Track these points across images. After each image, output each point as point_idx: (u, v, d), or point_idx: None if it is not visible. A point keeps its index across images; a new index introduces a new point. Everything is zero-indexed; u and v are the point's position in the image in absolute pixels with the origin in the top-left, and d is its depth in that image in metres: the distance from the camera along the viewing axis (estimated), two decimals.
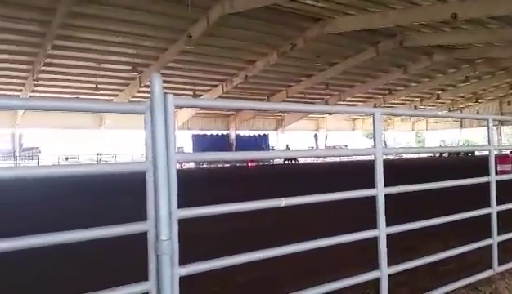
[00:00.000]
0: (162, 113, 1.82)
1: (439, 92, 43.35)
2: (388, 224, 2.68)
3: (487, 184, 3.54)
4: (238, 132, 43.26)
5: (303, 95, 36.44)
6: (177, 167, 1.91)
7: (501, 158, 11.81)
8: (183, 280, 1.88)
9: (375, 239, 2.65)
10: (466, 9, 18.38)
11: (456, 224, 3.47)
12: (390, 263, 2.67)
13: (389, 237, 2.68)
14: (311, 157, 40.82)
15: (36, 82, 26.18)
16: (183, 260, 1.88)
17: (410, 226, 2.91)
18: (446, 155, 42.93)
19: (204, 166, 36.80)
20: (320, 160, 39.34)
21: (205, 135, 41.90)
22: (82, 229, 1.73)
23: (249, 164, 33.25)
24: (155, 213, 1.81)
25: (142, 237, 1.83)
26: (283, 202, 2.23)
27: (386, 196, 2.67)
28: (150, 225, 1.81)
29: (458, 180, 3.40)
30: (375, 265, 2.64)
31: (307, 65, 30.22)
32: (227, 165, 36.78)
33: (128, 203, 5.74)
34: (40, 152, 36.65)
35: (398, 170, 15.10)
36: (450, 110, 48.28)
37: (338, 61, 29.84)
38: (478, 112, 48.96)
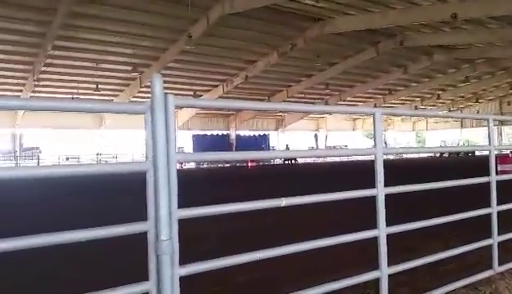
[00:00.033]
0: (162, 113, 1.82)
1: (439, 92, 43.35)
2: (389, 224, 2.68)
3: (488, 184, 3.54)
4: (238, 132, 43.27)
5: (303, 95, 36.44)
6: (178, 167, 1.91)
7: (502, 158, 11.81)
8: (183, 280, 1.88)
9: (375, 239, 2.65)
10: (466, 9, 18.38)
11: (457, 224, 3.47)
12: (390, 263, 2.67)
13: (389, 237, 2.69)
14: (311, 157, 40.80)
15: (36, 83, 26.20)
16: (183, 260, 1.88)
17: (410, 226, 2.91)
18: (446, 155, 42.92)
19: (205, 166, 36.81)
20: (320, 160, 39.33)
21: (205, 135, 41.91)
22: (82, 229, 1.73)
23: (250, 164, 33.26)
24: (155, 213, 1.81)
25: (142, 237, 1.84)
26: (283, 202, 2.24)
27: (386, 196, 2.67)
28: (150, 225, 1.82)
29: (458, 180, 3.40)
30: (375, 265, 2.64)
31: (308, 65, 30.22)
32: (227, 165, 36.79)
33: (128, 203, 5.74)
34: (40, 152, 36.65)
35: (399, 170, 15.09)
36: (450, 110, 48.27)
37: (338, 61, 29.84)
38: (478, 112, 48.96)
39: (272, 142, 45.92)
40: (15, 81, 26.25)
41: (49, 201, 10.85)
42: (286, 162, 37.38)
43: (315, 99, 38.50)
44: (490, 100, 48.42)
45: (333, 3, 20.48)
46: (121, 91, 30.55)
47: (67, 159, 36.33)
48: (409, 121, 56.72)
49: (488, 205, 3.52)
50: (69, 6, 17.54)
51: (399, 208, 3.47)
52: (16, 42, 21.08)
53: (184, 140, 39.18)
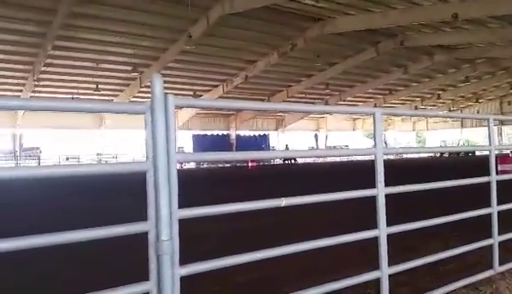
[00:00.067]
0: (162, 113, 1.82)
1: (440, 92, 43.35)
2: (389, 224, 2.68)
3: (488, 184, 3.54)
4: (238, 132, 43.27)
5: (303, 95, 36.44)
6: (178, 167, 1.91)
7: (502, 158, 11.80)
8: (184, 280, 1.88)
9: (375, 239, 2.65)
10: (467, 9, 18.37)
11: (457, 224, 3.47)
12: (391, 263, 2.67)
13: (390, 237, 2.69)
14: (311, 157, 40.79)
15: (36, 83, 26.21)
16: (184, 260, 1.88)
17: (410, 226, 2.92)
18: (446, 155, 42.91)
19: (205, 166, 36.81)
20: (320, 160, 39.33)
21: (206, 135, 41.91)
22: (83, 229, 1.73)
23: (250, 164, 33.26)
24: (156, 213, 1.81)
25: (143, 237, 1.84)
26: (283, 202, 2.24)
27: (386, 196, 2.67)
28: (150, 225, 1.82)
29: (458, 180, 3.40)
30: (375, 265, 2.64)
31: (308, 65, 30.22)
32: (228, 165, 36.79)
33: (129, 203, 5.74)
34: (41, 152, 36.65)
35: (399, 170, 15.09)
36: (450, 110, 48.27)
37: (338, 61, 29.84)
38: (478, 112, 48.94)
39: (272, 142, 45.92)
40: (16, 81, 26.26)
41: (49, 201, 10.85)
42: (286, 161, 37.39)
43: (315, 99, 38.50)
44: (490, 99, 48.41)
45: (333, 3, 20.48)
46: (121, 91, 30.56)
47: (67, 159, 36.34)
48: (409, 121, 56.72)
49: (489, 205, 3.52)
50: (69, 7, 17.55)
51: (399, 208, 3.47)
52: (16, 42, 21.09)
53: (184, 140, 39.18)
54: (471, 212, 3.38)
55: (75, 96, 28.18)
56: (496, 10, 18.09)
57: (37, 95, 27.79)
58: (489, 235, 3.48)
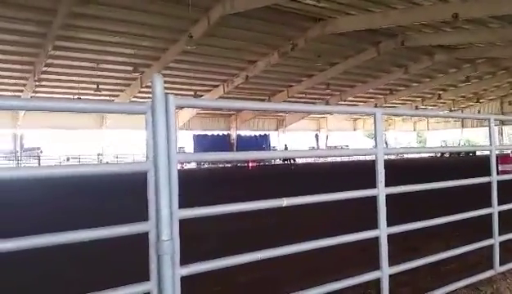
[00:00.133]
0: (163, 113, 1.82)
1: (440, 92, 43.32)
2: (390, 224, 2.68)
3: (489, 184, 3.53)
4: (239, 132, 43.28)
5: (303, 96, 36.44)
6: (178, 167, 1.91)
7: (503, 158, 11.79)
8: (184, 280, 1.88)
9: (376, 239, 2.65)
10: (467, 9, 18.36)
11: (458, 225, 3.47)
12: (391, 263, 2.67)
13: (390, 237, 2.69)
14: (312, 157, 40.79)
15: (37, 83, 26.23)
16: (184, 260, 1.88)
17: (411, 226, 2.91)
18: (447, 155, 42.88)
19: (205, 166, 36.82)
20: (321, 160, 39.33)
21: (206, 135, 41.93)
22: (84, 229, 1.73)
23: (250, 164, 33.27)
24: (156, 213, 1.81)
25: (144, 237, 1.84)
26: (284, 202, 2.24)
27: (387, 196, 2.67)
28: (151, 226, 1.82)
29: (459, 180, 3.40)
30: (376, 265, 2.64)
31: (308, 65, 30.22)
32: (228, 165, 36.79)
33: (130, 204, 5.75)
34: (41, 152, 36.68)
35: (399, 170, 15.09)
36: (451, 110, 48.24)
37: (339, 61, 29.84)
38: (479, 112, 48.91)
39: (273, 142, 45.93)
40: (16, 81, 26.29)
41: (51, 201, 10.86)
42: (286, 161, 37.36)
43: (316, 99, 38.50)
44: (491, 99, 48.38)
45: (334, 3, 20.47)
46: (122, 91, 30.58)
47: (68, 159, 36.36)
48: (410, 121, 56.70)
49: (489, 205, 3.51)
50: (69, 7, 17.56)
51: (400, 208, 3.46)
52: (17, 42, 21.11)
53: (185, 140, 39.18)
54: (472, 212, 3.38)
55: (76, 96, 28.18)
56: (496, 10, 18.08)
57: (37, 95, 27.81)
58: (490, 235, 3.48)
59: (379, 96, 41.93)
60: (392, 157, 42.48)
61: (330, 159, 40.33)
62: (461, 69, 34.74)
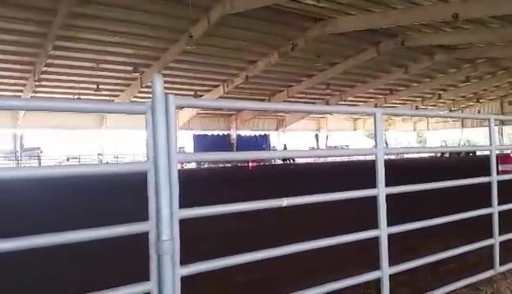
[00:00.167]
0: (163, 113, 1.82)
1: (440, 92, 43.33)
2: (390, 224, 2.68)
3: (489, 184, 3.53)
4: (239, 132, 43.28)
5: (303, 95, 36.44)
6: (179, 167, 1.91)
7: (503, 158, 11.79)
8: (184, 280, 1.88)
9: (375, 239, 2.65)
10: (467, 9, 18.37)
11: (458, 224, 3.46)
12: (391, 263, 2.67)
13: (390, 237, 2.68)
14: (312, 157, 40.78)
15: (37, 83, 26.24)
16: (184, 260, 1.89)
17: (411, 226, 2.91)
18: (447, 155, 42.88)
19: (205, 166, 36.81)
20: (321, 160, 39.32)
21: (206, 135, 41.93)
22: (84, 229, 1.73)
23: (250, 164, 33.26)
24: (157, 213, 1.81)
25: (144, 237, 1.84)
26: (284, 202, 2.24)
27: (387, 196, 2.67)
28: (151, 225, 1.82)
29: (459, 180, 3.40)
30: (375, 265, 2.64)
31: (308, 65, 30.23)
32: (228, 165, 36.79)
33: (130, 203, 5.75)
34: (41, 152, 36.67)
35: (400, 170, 15.09)
36: (451, 110, 48.24)
37: (339, 61, 29.84)
38: (479, 112, 48.92)
39: (273, 142, 45.93)
40: (16, 81, 26.30)
41: (51, 201, 10.86)
42: (286, 161, 37.37)
43: (316, 99, 38.50)
44: (491, 99, 48.39)
45: (334, 3, 20.48)
46: (122, 91, 30.58)
47: (68, 159, 36.36)
48: (410, 121, 56.70)
49: (489, 205, 3.51)
50: (69, 7, 17.57)
51: (400, 208, 3.46)
52: (17, 42, 21.12)
53: (185, 140, 39.18)
54: (472, 212, 3.38)
55: (76, 96, 28.19)
56: (496, 10, 18.09)
57: (38, 95, 27.82)
58: (490, 235, 3.48)
59: (379, 96, 41.94)
60: (393, 157, 42.48)
61: (330, 159, 40.32)
62: (461, 69, 34.75)
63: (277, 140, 46.29)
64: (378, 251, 2.64)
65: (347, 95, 38.76)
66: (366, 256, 3.07)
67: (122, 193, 11.99)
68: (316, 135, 49.15)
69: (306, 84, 33.85)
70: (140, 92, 29.36)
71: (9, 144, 35.07)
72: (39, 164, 33.83)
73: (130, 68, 25.87)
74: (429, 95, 44.49)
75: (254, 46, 25.74)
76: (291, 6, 20.31)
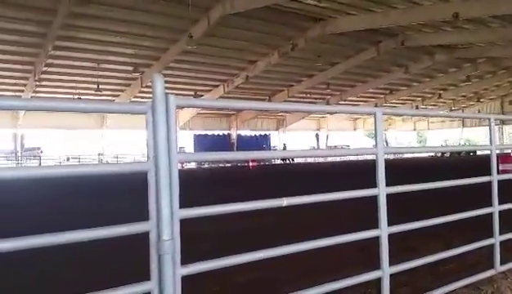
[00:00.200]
0: (163, 113, 1.82)
1: (441, 92, 43.31)
2: (389, 224, 2.68)
3: (489, 183, 3.53)
4: (239, 132, 43.28)
5: (304, 95, 36.44)
6: (179, 166, 1.91)
7: (503, 158, 11.79)
8: (184, 280, 1.88)
9: (375, 239, 2.65)
10: (468, 8, 18.36)
11: (458, 224, 3.46)
12: (391, 263, 2.67)
13: (390, 237, 2.68)
14: (312, 157, 40.79)
15: (38, 83, 26.25)
16: (184, 260, 1.89)
17: (412, 226, 2.91)
18: (447, 155, 42.86)
19: (206, 166, 36.81)
20: (321, 160, 39.31)
21: (207, 135, 41.93)
22: (84, 229, 1.73)
23: (251, 164, 33.25)
24: (157, 213, 1.81)
25: (144, 237, 1.84)
26: (284, 201, 2.24)
27: (387, 196, 2.67)
28: (151, 225, 1.82)
29: (460, 179, 3.40)
30: (375, 265, 2.64)
31: (309, 65, 30.22)
32: (229, 165, 36.79)
33: (130, 203, 5.75)
34: (42, 152, 36.69)
35: (400, 170, 15.07)
36: (451, 110, 48.22)
37: (339, 61, 29.84)
38: (479, 111, 48.89)
39: (273, 142, 45.92)
40: (17, 81, 26.31)
41: (51, 201, 10.86)
42: (286, 161, 37.38)
43: (316, 99, 38.49)
44: (491, 99, 48.37)
45: (335, 3, 20.47)
46: (122, 91, 30.59)
47: (68, 159, 36.36)
48: (410, 120, 56.67)
49: (490, 204, 3.51)
50: (68, 7, 17.57)
51: (400, 208, 3.46)
52: (17, 42, 21.12)
53: (185, 140, 39.18)
54: (472, 212, 3.38)
55: (76, 96, 28.21)
56: (496, 9, 18.08)
57: (38, 95, 27.82)
58: (490, 235, 3.48)
59: (380, 96, 41.93)
60: (393, 156, 42.46)
61: (330, 159, 40.30)
62: (462, 68, 34.74)
63: (278, 139, 46.29)
64: (377, 251, 2.64)
65: (347, 95, 38.76)
66: (364, 255, 3.07)
67: (122, 193, 11.99)
68: (317, 135, 49.15)
69: (306, 84, 33.84)
70: (140, 92, 29.36)
71: (9, 144, 35.08)
72: (39, 164, 33.84)
73: (130, 68, 25.88)
74: (430, 95, 44.47)
75: (254, 46, 25.74)
76: (291, 6, 20.31)
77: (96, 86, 27.46)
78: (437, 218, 3.12)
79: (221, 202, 2.07)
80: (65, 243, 1.68)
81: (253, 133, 45.16)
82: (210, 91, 32.45)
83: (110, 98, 30.72)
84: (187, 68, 27.68)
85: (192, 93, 31.00)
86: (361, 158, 37.80)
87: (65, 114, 28.52)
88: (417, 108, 45.09)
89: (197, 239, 4.43)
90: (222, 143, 41.02)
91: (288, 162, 36.62)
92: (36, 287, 3.82)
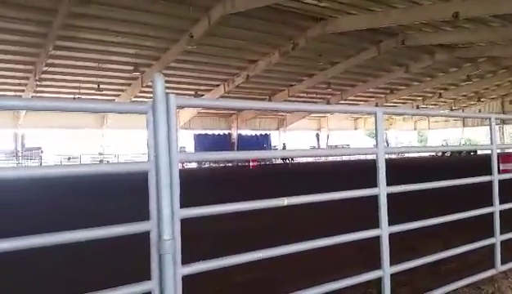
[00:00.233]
0: (164, 113, 1.82)
1: (441, 91, 43.27)
2: (390, 223, 2.68)
3: (490, 183, 3.53)
4: (240, 132, 43.27)
5: (304, 95, 36.42)
6: (179, 166, 1.91)
7: (504, 157, 11.80)
8: (185, 279, 1.88)
9: (372, 238, 2.65)
10: (468, 8, 18.34)
11: (459, 224, 3.46)
12: (391, 263, 2.67)
13: (390, 236, 2.68)
14: (313, 156, 40.80)
15: (38, 83, 26.25)
16: (184, 260, 1.89)
17: (412, 225, 2.91)
18: (448, 154, 42.84)
19: (206, 165, 36.82)
20: (322, 159, 39.32)
21: (207, 134, 41.92)
22: (84, 228, 1.73)
23: (251, 164, 33.24)
24: (158, 213, 1.81)
25: (142, 237, 1.84)
26: (285, 201, 2.24)
27: (387, 195, 2.67)
28: (152, 225, 1.82)
29: (460, 179, 3.39)
30: (375, 265, 2.64)
31: (309, 65, 30.21)
32: (229, 165, 36.80)
33: (131, 203, 5.75)
34: (42, 152, 36.70)
35: (400, 169, 15.07)
36: (452, 109, 48.18)
37: (339, 60, 29.82)
38: (480, 111, 48.85)
39: (274, 142, 45.92)
40: (17, 81, 26.29)
41: (51, 201, 10.86)
42: (286, 161, 37.36)
43: (316, 98, 38.47)
44: (492, 98, 48.31)
45: (335, 3, 20.46)
46: (122, 90, 30.58)
47: (69, 159, 36.38)
48: (411, 120, 56.61)
49: (491, 204, 3.51)
50: (68, 7, 17.56)
51: (401, 208, 3.46)
52: (17, 42, 21.11)
53: (186, 140, 39.18)
54: (473, 211, 3.38)
55: (77, 96, 28.21)
56: (497, 9, 18.05)
57: (38, 95, 27.81)
58: (491, 234, 3.48)
59: (380, 95, 41.89)
60: (393, 156, 42.45)
61: (330, 159, 40.30)
62: (462, 68, 34.70)
63: (278, 139, 46.28)
64: (376, 251, 2.64)
65: (347, 95, 38.72)
66: (363, 255, 3.08)
67: (123, 192, 12.00)
68: (317, 135, 49.14)
69: (307, 83, 33.82)
70: (141, 92, 29.35)
71: (10, 144, 35.09)
72: (40, 164, 33.86)
73: (131, 68, 25.87)
74: (430, 95, 44.42)
75: (255, 45, 25.72)
76: (292, 6, 20.30)
77: (96, 86, 27.47)
78: (438, 218, 3.12)
79: (221, 202, 2.07)
80: (65, 243, 1.68)
81: (253, 133, 45.15)
82: (211, 90, 32.44)
83: (110, 98, 30.72)
84: (188, 67, 27.67)
85: (193, 93, 30.99)
86: (361, 157, 37.81)
87: (65, 114, 28.51)
88: (418, 107, 45.04)
89: (198, 239, 4.43)
90: (222, 143, 41.01)
91: (288, 161, 36.60)
92: (36, 287, 3.82)
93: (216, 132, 42.55)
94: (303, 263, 3.49)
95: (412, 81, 38.21)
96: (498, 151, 3.84)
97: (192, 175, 22.68)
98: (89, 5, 18.47)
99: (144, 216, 1.85)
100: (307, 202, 2.49)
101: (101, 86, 27.77)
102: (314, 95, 37.72)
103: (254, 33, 23.56)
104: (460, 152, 43.64)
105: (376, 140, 2.72)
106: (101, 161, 35.64)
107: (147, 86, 27.39)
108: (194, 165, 36.11)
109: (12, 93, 27.31)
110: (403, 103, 45.38)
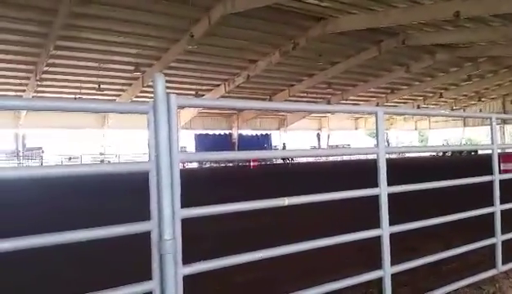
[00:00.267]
0: (165, 113, 1.82)
1: (442, 91, 43.23)
2: (390, 223, 2.68)
3: (491, 183, 3.53)
4: (240, 132, 43.28)
5: (305, 95, 36.42)
6: (180, 166, 1.92)
7: (505, 157, 11.77)
8: (185, 279, 1.89)
9: (372, 238, 2.64)
10: (469, 7, 18.32)
11: (459, 224, 3.46)
12: (392, 263, 2.66)
13: (391, 236, 2.68)
14: (313, 156, 40.78)
15: (39, 83, 26.26)
16: (184, 260, 1.89)
17: (413, 225, 2.91)
18: (449, 154, 42.81)
19: (207, 165, 36.82)
20: (322, 159, 39.31)
21: (208, 134, 41.93)
22: (85, 228, 1.73)
23: (252, 163, 33.24)
24: (159, 213, 1.82)
25: (142, 237, 1.84)
26: (286, 201, 2.24)
27: (388, 195, 2.66)
28: (153, 225, 1.82)
29: (461, 179, 3.39)
30: (375, 265, 2.64)
31: (310, 65, 30.19)
32: (230, 164, 36.80)
33: (132, 203, 5.75)
34: (43, 152, 36.73)
35: (401, 169, 15.06)
36: (453, 109, 48.12)
37: (340, 60, 29.81)
38: (481, 110, 48.81)
39: (275, 141, 45.92)
40: (18, 81, 26.31)
41: (52, 201, 10.87)
42: (287, 161, 37.35)
43: (317, 98, 38.46)
44: (493, 98, 48.26)
45: (336, 2, 20.44)
46: (123, 90, 30.59)
47: (69, 159, 36.39)
48: (411, 120, 56.56)
49: (491, 204, 3.51)
50: (69, 7, 17.56)
51: (401, 208, 3.46)
52: (18, 42, 21.12)
53: (186, 140, 39.19)
54: (474, 211, 3.38)
55: (78, 96, 28.23)
56: (497, 8, 18.03)
57: (39, 95, 27.84)
58: (492, 234, 3.48)
59: (381, 95, 41.87)
60: (394, 156, 42.43)
61: (331, 158, 40.29)
62: (463, 67, 34.67)
63: (279, 139, 46.28)
64: (377, 251, 2.64)
65: (348, 95, 38.70)
66: (363, 255, 3.07)
67: (124, 192, 12.00)
68: (318, 135, 49.13)
69: (307, 83, 33.80)
70: (141, 92, 29.36)
71: (11, 144, 35.11)
72: (41, 164, 33.88)
73: (132, 67, 25.88)
74: (431, 94, 44.39)
75: (255, 45, 25.71)
76: (292, 6, 20.29)
77: (97, 86, 27.47)
78: (439, 218, 3.12)
79: (222, 202, 2.07)
80: (66, 243, 1.68)
81: (254, 133, 45.15)
82: (211, 90, 32.45)
83: (111, 98, 30.74)
84: (189, 67, 27.67)
85: (193, 93, 30.99)
86: (362, 157, 37.79)
87: (66, 114, 28.51)
88: (418, 107, 45.00)
89: (198, 239, 4.43)
90: (223, 142, 41.01)
91: (288, 161, 36.60)
92: (36, 287, 3.82)
93: (217, 132, 42.56)
94: (303, 263, 3.49)
95: (413, 81, 38.18)
96: (499, 151, 3.84)
97: (193, 175, 22.68)
98: (90, 5, 18.47)
99: (145, 216, 1.85)
100: (308, 202, 2.49)
101: (102, 86, 27.77)
102: (315, 95, 37.74)
103: (255, 33, 23.55)
104: (460, 152, 43.59)
105: (377, 139, 2.72)
106: (101, 161, 35.66)
107: (148, 86, 27.40)
108: (195, 165, 36.12)
109: (13, 93, 27.33)
110: (404, 103, 45.35)
